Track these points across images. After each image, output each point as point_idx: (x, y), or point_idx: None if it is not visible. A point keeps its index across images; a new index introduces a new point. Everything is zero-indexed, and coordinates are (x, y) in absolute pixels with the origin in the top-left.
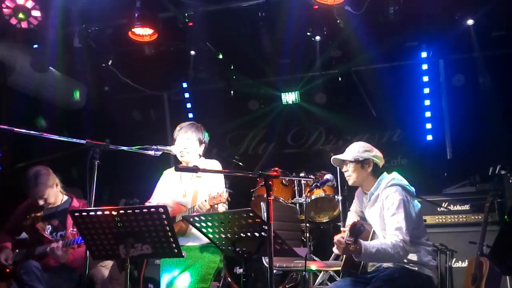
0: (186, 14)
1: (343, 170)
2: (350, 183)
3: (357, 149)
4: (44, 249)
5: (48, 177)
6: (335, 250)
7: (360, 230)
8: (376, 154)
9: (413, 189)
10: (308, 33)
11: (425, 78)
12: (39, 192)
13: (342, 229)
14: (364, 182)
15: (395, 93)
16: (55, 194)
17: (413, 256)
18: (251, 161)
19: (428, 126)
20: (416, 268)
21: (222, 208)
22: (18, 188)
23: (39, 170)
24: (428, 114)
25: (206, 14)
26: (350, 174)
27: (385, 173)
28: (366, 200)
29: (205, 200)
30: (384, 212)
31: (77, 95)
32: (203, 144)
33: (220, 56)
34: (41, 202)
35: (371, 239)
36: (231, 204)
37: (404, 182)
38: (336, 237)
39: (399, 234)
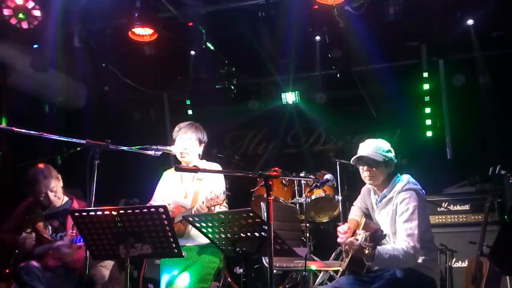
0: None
1: (364, 169)
2: (370, 183)
3: (381, 148)
4: (44, 249)
5: (53, 171)
6: (341, 242)
7: (381, 237)
8: (394, 153)
9: (424, 192)
10: (308, 33)
11: (425, 74)
12: (49, 185)
13: (363, 230)
14: (381, 183)
15: (395, 93)
16: (60, 190)
17: (420, 260)
18: (251, 161)
19: (428, 122)
20: (421, 270)
21: (220, 210)
22: (18, 187)
23: (43, 166)
24: (428, 110)
25: (206, 14)
26: (374, 175)
27: (398, 174)
28: (376, 199)
29: (202, 202)
30: (397, 216)
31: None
32: (203, 144)
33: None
34: (51, 196)
35: None
36: (231, 204)
37: (418, 186)
38: (341, 230)
39: (411, 241)
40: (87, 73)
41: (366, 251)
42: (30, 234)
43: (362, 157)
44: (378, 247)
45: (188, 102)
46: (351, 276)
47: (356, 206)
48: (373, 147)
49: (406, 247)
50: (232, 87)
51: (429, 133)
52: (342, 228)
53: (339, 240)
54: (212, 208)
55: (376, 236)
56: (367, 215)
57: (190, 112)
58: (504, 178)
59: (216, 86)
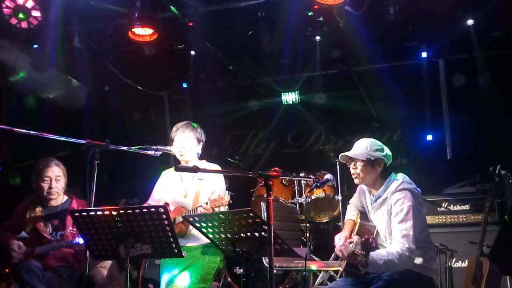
0: (186, 15)
1: (351, 167)
2: (357, 182)
3: (368, 147)
4: (47, 249)
5: (63, 166)
6: (337, 251)
7: (372, 245)
8: (387, 154)
9: (419, 190)
10: (308, 33)
11: (425, 78)
12: (57, 172)
13: (358, 232)
14: (372, 183)
15: (395, 93)
16: (63, 186)
17: (417, 260)
18: (251, 161)
19: (428, 125)
20: (419, 270)
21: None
22: (18, 188)
23: (54, 158)
24: (428, 113)
25: (206, 14)
26: (359, 173)
27: (393, 173)
28: (370, 200)
29: (206, 203)
30: (392, 217)
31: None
32: (201, 143)
33: (220, 56)
34: (54, 185)
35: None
36: (231, 204)
37: (413, 185)
38: (338, 237)
39: (406, 242)
40: (87, 73)
41: (359, 259)
42: (20, 246)
43: (344, 155)
44: (372, 253)
45: (188, 103)
46: (350, 277)
47: (352, 204)
48: (361, 146)
49: (401, 249)
50: (232, 87)
51: (429, 134)
52: (339, 238)
53: (336, 249)
54: (217, 209)
55: (367, 245)
56: (363, 213)
57: (190, 112)
58: (504, 178)
59: (216, 86)
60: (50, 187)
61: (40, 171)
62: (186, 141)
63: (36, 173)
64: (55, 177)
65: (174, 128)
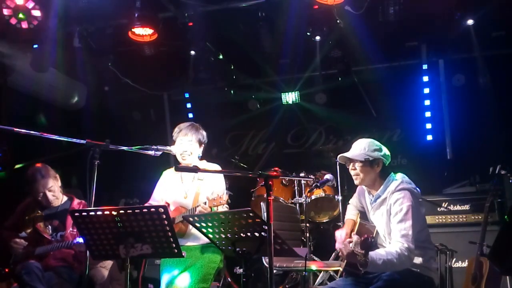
0: (186, 14)
1: (350, 168)
2: (357, 183)
3: (366, 147)
4: (46, 250)
5: (51, 170)
6: (337, 246)
7: (372, 244)
8: (385, 153)
9: (419, 190)
10: (308, 33)
11: (425, 78)
12: (46, 184)
13: (357, 232)
14: (371, 183)
15: (395, 93)
16: (59, 190)
17: (417, 259)
18: (251, 161)
19: (428, 126)
20: (418, 270)
21: (222, 210)
22: (18, 188)
23: (41, 165)
24: (428, 114)
25: (206, 14)
26: (358, 174)
27: (392, 173)
28: (370, 200)
29: (205, 203)
30: (391, 217)
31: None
32: (203, 145)
33: (221, 57)
34: (50, 196)
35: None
36: (231, 204)
37: (412, 185)
38: (338, 235)
39: (405, 242)
40: (87, 73)
41: (359, 258)
42: (21, 240)
43: (342, 156)
44: (371, 253)
45: (188, 105)
46: (350, 277)
47: (351, 204)
48: (359, 146)
49: (400, 249)
50: (232, 87)
51: (429, 134)
52: (340, 234)
53: (337, 245)
54: (215, 208)
55: (367, 244)
56: (363, 213)
57: (190, 112)
58: (504, 178)
59: (216, 86)
60: (46, 199)
61: (31, 187)
62: (187, 145)
63: (28, 187)
64: (47, 188)
65: (177, 129)
